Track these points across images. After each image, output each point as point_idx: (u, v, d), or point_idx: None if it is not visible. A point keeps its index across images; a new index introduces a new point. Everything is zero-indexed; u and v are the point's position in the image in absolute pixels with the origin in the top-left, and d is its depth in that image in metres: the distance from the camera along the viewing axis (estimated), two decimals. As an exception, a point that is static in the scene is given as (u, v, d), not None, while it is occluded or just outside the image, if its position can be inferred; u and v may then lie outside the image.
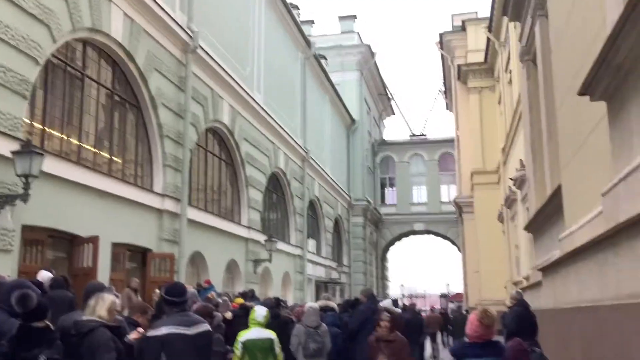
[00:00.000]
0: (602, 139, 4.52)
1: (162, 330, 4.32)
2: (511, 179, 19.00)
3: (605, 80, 3.90)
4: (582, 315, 4.72)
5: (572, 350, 5.18)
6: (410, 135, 45.32)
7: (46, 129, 10.75)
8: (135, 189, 13.17)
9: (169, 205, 14.10)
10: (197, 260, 16.07)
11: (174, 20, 14.28)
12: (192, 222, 15.03)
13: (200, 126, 16.08)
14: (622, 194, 3.75)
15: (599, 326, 4.12)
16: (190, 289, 7.83)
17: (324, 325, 8.21)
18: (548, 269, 7.19)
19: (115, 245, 12.17)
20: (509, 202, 22.24)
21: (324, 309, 9.02)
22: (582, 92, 4.22)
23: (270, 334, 6.83)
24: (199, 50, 15.41)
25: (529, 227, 10.83)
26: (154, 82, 13.64)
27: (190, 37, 14.96)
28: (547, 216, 8.76)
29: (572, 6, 5.73)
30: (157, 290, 10.95)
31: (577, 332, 4.94)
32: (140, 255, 13.68)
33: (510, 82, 20.55)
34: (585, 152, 5.27)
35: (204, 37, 15.81)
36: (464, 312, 22.83)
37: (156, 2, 13.45)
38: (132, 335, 4.41)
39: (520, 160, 16.53)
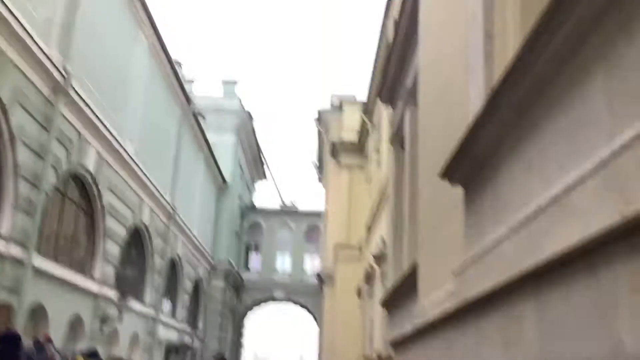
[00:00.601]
0: (457, 221, 4.82)
1: None
2: (372, 255, 19.64)
3: (463, 167, 4.20)
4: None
5: None
6: (281, 206, 45.81)
7: None
8: (-23, 229, 12.04)
9: (13, 250, 12.97)
10: (37, 312, 14.77)
11: (47, 57, 13.65)
12: (38, 271, 13.90)
13: (61, 170, 15.19)
14: (471, 273, 3.98)
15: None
16: (27, 343, 7.13)
17: None
18: (399, 344, 7.38)
19: (-57, 290, 10.94)
20: (369, 278, 22.89)
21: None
22: (442, 176, 4.51)
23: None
24: (71, 91, 14.77)
25: (384, 303, 11.14)
26: (16, 117, 12.79)
27: (64, 77, 14.33)
28: (402, 292, 9.08)
29: (439, 98, 6.20)
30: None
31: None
32: (-28, 302, 12.36)
33: (379, 163, 21.58)
34: (441, 233, 5.58)
35: (79, 79, 15.22)
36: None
37: (30, 36, 12.82)
38: None
39: (382, 237, 17.18)
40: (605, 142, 2.27)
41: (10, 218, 13.01)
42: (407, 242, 9.47)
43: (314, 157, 39.90)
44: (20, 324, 12.92)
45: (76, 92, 15.14)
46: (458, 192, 4.67)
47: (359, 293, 28.11)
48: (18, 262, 13.15)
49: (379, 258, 18.03)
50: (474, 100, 4.21)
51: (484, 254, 3.73)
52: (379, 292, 18.78)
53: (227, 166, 36.63)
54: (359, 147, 30.49)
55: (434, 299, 5.53)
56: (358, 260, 29.99)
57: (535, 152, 3.09)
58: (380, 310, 16.90)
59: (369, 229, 24.61)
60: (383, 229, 16.85)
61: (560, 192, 2.62)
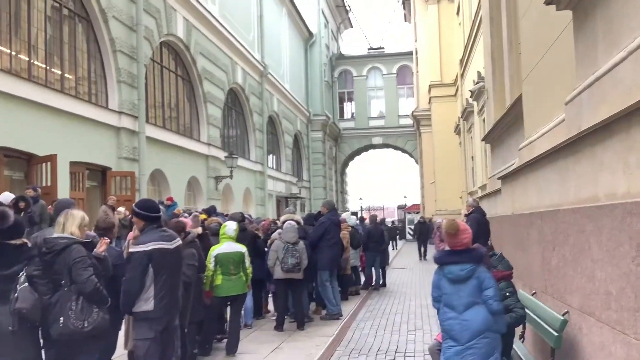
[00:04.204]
0: (566, 48, 4.58)
1: (149, 246, 4.45)
2: (470, 90, 19.19)
3: (572, -11, 3.91)
4: (542, 220, 4.94)
5: (531, 252, 5.46)
6: (369, 49, 44.86)
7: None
8: (91, 106, 12.84)
9: (126, 122, 13.83)
10: (157, 177, 16.00)
11: None
12: (150, 140, 14.83)
13: (154, 40, 15.56)
14: (585, 102, 3.85)
15: (559, 229, 4.33)
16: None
17: (301, 241, 8.42)
18: (507, 178, 7.41)
19: (73, 164, 11.99)
20: (466, 114, 22.57)
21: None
22: (548, 2, 4.23)
23: (241, 247, 7.00)
24: (149, -41, 14.68)
25: (487, 138, 11.06)
26: (103, -7, 13.02)
27: (140, -56, 14.18)
28: (506, 126, 8.96)
29: None
30: (121, 209, 10.94)
31: (536, 236, 5.19)
32: (100, 173, 13.54)
33: (469, -8, 20.31)
34: (547, 62, 5.33)
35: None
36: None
37: None
38: (101, 248, 4.41)
39: (479, 72, 16.64)
40: None
41: (116, 92, 13.74)
42: (507, 73, 9.15)
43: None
44: (143, 190, 14.11)
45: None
46: (566, 17, 4.39)
47: (457, 130, 27.94)
48: (131, 132, 14.05)
49: (477, 93, 17.61)
50: None
51: (598, 81, 3.58)
52: (479, 127, 18.57)
53: (311, 17, 35.88)
54: (446, -22, 28.72)
55: (542, 131, 5.44)
56: (453, 97, 29.49)
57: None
58: (481, 146, 16.82)
59: (463, 63, 23.81)
60: (479, 62, 16.25)
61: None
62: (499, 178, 8.34)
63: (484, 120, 15.63)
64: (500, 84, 9.98)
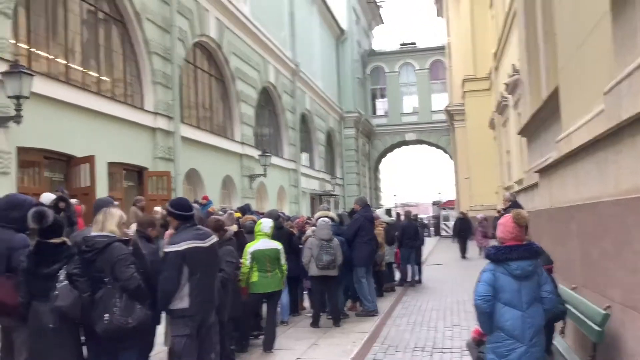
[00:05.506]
0: (604, 37, 4.47)
1: (183, 245, 4.51)
2: (505, 83, 18.91)
3: (610, -25, 3.81)
4: (581, 213, 4.84)
5: (570, 246, 5.35)
6: (401, 44, 44.57)
7: (32, 49, 10.51)
8: (127, 108, 13.05)
9: (161, 123, 14.01)
10: (193, 177, 16.18)
11: None
12: (185, 140, 15.01)
13: (188, 41, 15.73)
14: (624, 91, 3.75)
15: (599, 222, 4.24)
16: (194, 205, 7.93)
17: (336, 238, 8.44)
18: (545, 171, 7.28)
19: (111, 165, 12.21)
20: (501, 108, 22.25)
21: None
22: (585, -11, 4.14)
23: (277, 244, 7.05)
24: (181, -39, 14.83)
25: (523, 131, 10.88)
26: (137, -5, 13.20)
27: (172, -54, 14.33)
28: (543, 119, 8.79)
29: None
30: (158, 208, 11.09)
31: (576, 229, 5.09)
32: (137, 173, 13.74)
33: (503, -17, 19.98)
34: (584, 52, 5.21)
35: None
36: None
37: None
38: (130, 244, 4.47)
39: (513, 65, 16.38)
40: None
41: (152, 94, 13.93)
42: (543, 65, 8.98)
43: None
44: (179, 189, 14.29)
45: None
46: (603, 4, 4.29)
47: (492, 125, 27.56)
48: (167, 133, 14.24)
49: (511, 86, 17.34)
50: None
51: (639, 69, 3.49)
52: (514, 121, 18.28)
53: (342, 14, 35.81)
54: (479, -30, 28.32)
55: (580, 122, 5.32)
56: (487, 91, 29.10)
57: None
58: (517, 140, 16.55)
59: (497, 56, 23.46)
60: (513, 55, 15.99)
61: None
62: (536, 172, 8.21)
63: (519, 114, 15.37)
64: (536, 76, 9.80)
